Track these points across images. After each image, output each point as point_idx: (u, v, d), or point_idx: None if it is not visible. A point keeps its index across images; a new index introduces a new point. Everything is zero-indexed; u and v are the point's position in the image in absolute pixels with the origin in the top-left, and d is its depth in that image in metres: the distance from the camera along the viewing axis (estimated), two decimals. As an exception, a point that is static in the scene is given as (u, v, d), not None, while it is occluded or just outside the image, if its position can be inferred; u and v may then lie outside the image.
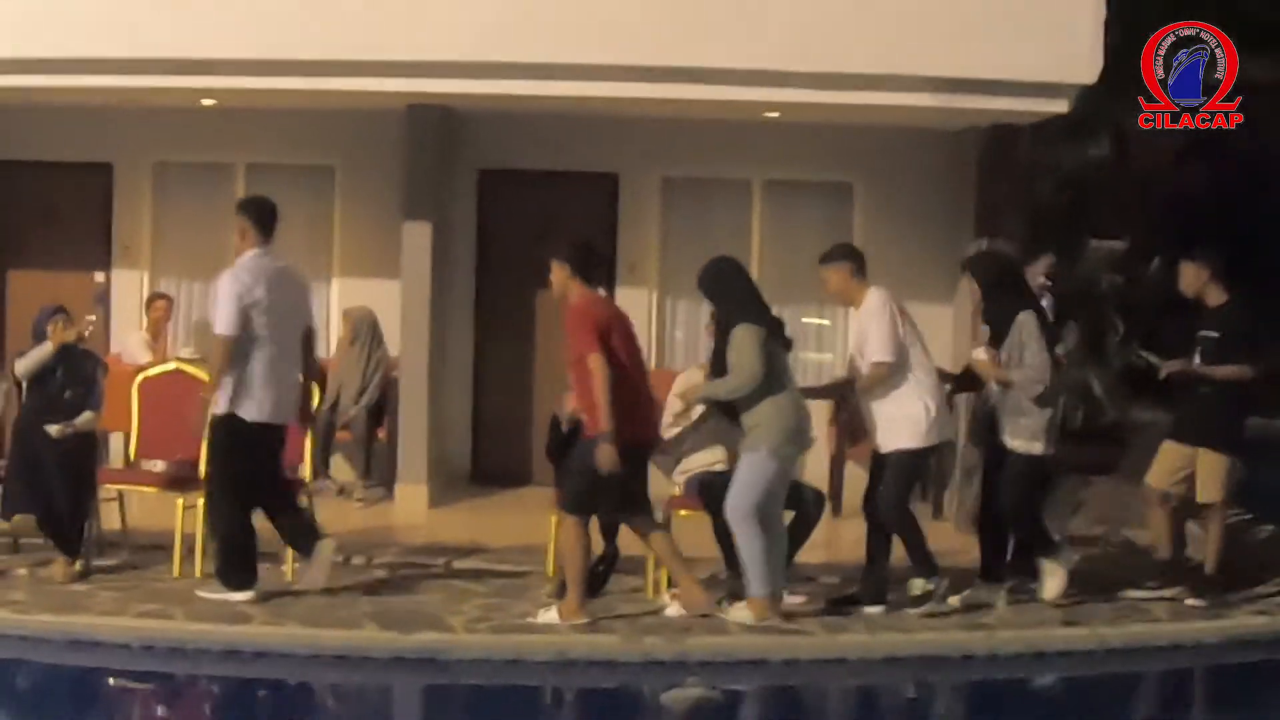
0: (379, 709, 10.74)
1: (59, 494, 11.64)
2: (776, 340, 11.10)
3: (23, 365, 11.91)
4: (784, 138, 15.21)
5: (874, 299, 11.33)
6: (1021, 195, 14.53)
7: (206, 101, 14.60)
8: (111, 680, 10.75)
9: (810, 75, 13.25)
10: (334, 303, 15.64)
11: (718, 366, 11.18)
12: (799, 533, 11.56)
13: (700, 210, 15.68)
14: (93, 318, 12.69)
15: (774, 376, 10.97)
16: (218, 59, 13.43)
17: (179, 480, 12.14)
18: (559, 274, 11.22)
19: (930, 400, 11.28)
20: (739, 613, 10.99)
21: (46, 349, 11.83)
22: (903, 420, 11.25)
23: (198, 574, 11.73)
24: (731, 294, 11.24)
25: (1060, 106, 13.33)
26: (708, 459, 11.74)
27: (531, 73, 13.47)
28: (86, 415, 11.89)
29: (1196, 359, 11.77)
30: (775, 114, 14.37)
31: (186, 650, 10.60)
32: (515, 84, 13.57)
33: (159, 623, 10.76)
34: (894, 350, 11.18)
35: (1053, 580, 11.66)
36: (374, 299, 15.15)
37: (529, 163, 15.48)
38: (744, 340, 10.92)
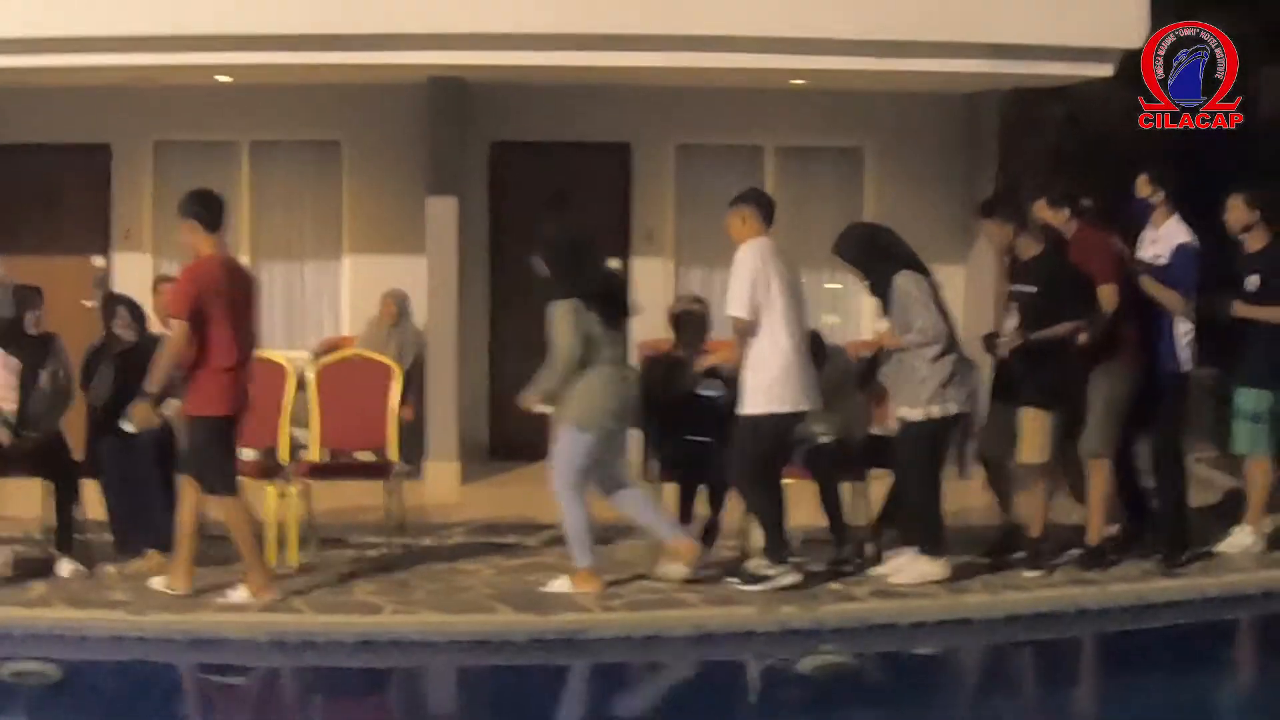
0: (525, 692, 10.51)
1: (153, 490, 11.38)
2: (599, 312, 11.01)
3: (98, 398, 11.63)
4: (795, 104, 15.27)
5: (743, 251, 11.12)
6: (1054, 153, 14.73)
7: (221, 78, 14.26)
8: (244, 677, 10.57)
9: (854, 43, 13.27)
10: (344, 280, 15.44)
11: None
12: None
13: (713, 177, 15.55)
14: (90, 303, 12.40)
15: (590, 350, 10.92)
16: (233, 34, 13.14)
17: (270, 469, 11.93)
18: (186, 231, 10.85)
19: (790, 363, 10.99)
20: (560, 583, 11.10)
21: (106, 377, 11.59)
22: (755, 383, 11.03)
23: (294, 564, 11.59)
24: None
25: (1105, 70, 13.53)
26: (814, 429, 11.77)
27: (556, 44, 13.36)
28: (171, 402, 11.63)
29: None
30: (802, 81, 14.41)
31: (318, 643, 10.45)
32: (541, 55, 13.44)
33: (286, 616, 10.58)
34: (746, 306, 10.95)
35: (916, 566, 11.31)
36: (386, 275, 15.00)
37: (540, 134, 15.36)
38: (557, 319, 10.90)
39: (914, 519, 11.42)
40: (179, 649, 10.36)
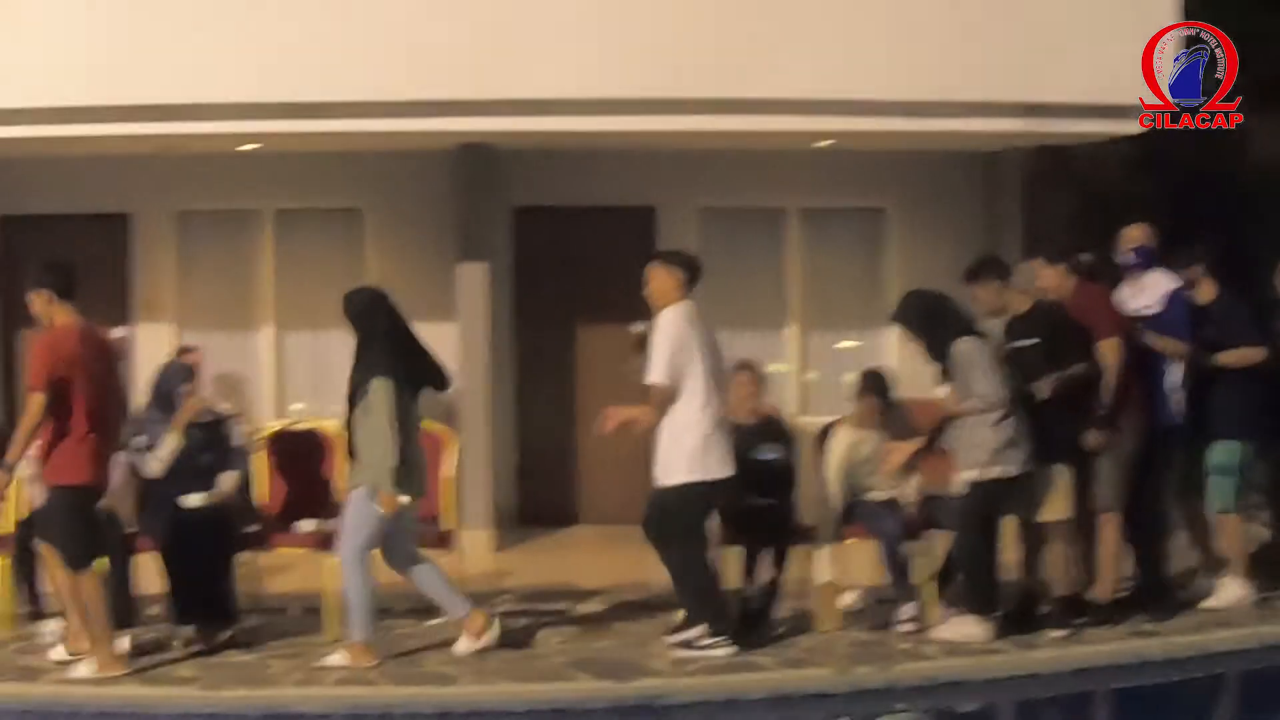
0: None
1: (208, 561, 11.30)
2: (406, 381, 10.98)
3: (159, 467, 11.52)
4: (818, 165, 15.37)
5: (666, 315, 11.14)
6: (1077, 211, 14.87)
7: (249, 146, 14.22)
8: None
9: (889, 103, 13.46)
10: (370, 348, 15.31)
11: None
12: None
13: (738, 240, 15.73)
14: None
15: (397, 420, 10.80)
16: (263, 102, 13.20)
17: (327, 540, 11.84)
18: (39, 303, 10.58)
19: (711, 432, 10.96)
20: (336, 657, 10.87)
21: (171, 445, 11.49)
22: (675, 452, 11.03)
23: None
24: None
25: (1132, 127, 13.68)
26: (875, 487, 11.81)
27: (587, 109, 13.52)
28: (229, 475, 11.60)
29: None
30: (831, 142, 14.51)
31: (395, 716, 10.36)
32: (572, 121, 13.64)
33: (363, 689, 10.49)
34: (666, 372, 10.96)
35: (961, 627, 11.33)
36: (412, 343, 14.91)
37: (564, 199, 15.36)
38: (375, 398, 10.84)
39: (967, 578, 11.43)
40: (254, 726, 10.28)
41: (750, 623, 11.47)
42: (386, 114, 13.40)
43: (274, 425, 12.64)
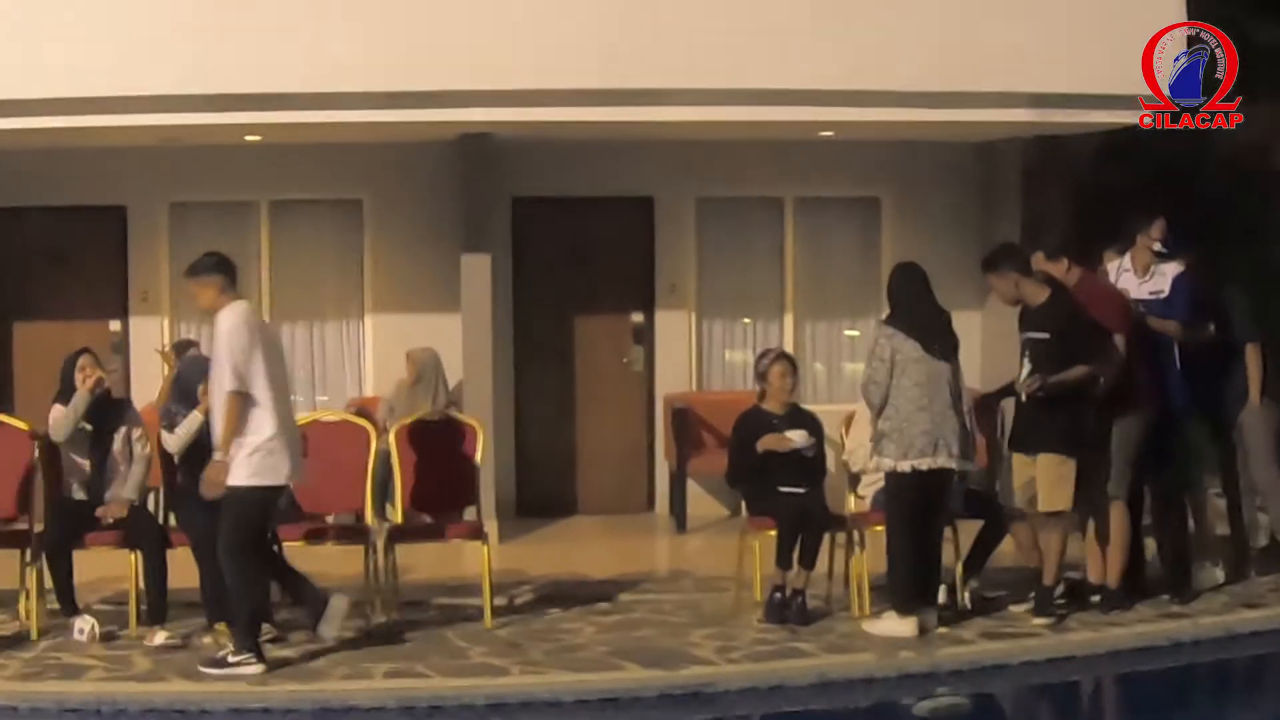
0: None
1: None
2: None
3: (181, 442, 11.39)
4: (815, 155, 15.48)
5: (222, 318, 10.55)
6: (1073, 201, 15.01)
7: (251, 138, 14.14)
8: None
9: (895, 94, 13.53)
10: (367, 339, 15.34)
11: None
12: (991, 537, 11.90)
13: (735, 229, 15.82)
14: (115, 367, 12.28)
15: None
16: (264, 93, 13.09)
17: (362, 533, 11.82)
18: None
19: (278, 434, 10.47)
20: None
21: (197, 420, 11.36)
22: (240, 455, 10.43)
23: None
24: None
25: (1136, 118, 13.82)
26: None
27: (588, 99, 13.52)
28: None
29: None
30: (830, 133, 14.59)
31: (447, 708, 10.29)
32: (570, 111, 13.61)
33: (414, 682, 10.43)
34: (232, 376, 10.35)
35: (886, 623, 11.26)
36: (409, 334, 14.94)
37: (562, 189, 15.39)
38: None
39: (888, 572, 11.41)
40: (306, 720, 10.24)
41: (789, 610, 11.54)
42: (385, 105, 13.35)
43: (304, 418, 12.50)
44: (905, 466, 11.13)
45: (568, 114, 13.61)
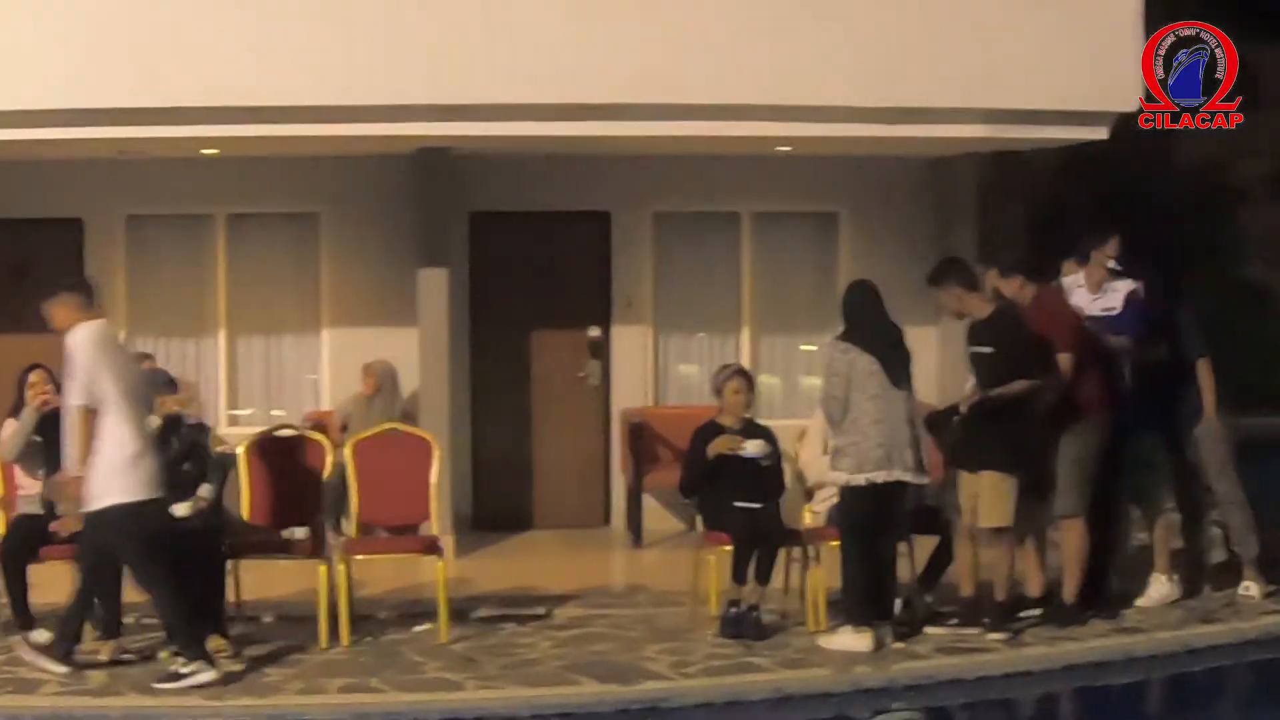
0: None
1: (205, 574, 11.18)
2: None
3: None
4: (772, 170, 15.51)
5: (74, 337, 10.51)
6: (1030, 217, 15.08)
7: (208, 151, 14.11)
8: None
9: (853, 110, 13.56)
10: (324, 353, 15.30)
11: None
12: (946, 553, 11.94)
13: (692, 244, 15.88)
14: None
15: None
16: (222, 107, 13.06)
17: (319, 547, 11.79)
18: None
19: (134, 452, 10.41)
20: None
21: (153, 424, 11.33)
22: (97, 474, 10.38)
23: (344, 643, 11.44)
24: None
25: (1100, 133, 13.91)
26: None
27: (548, 114, 13.50)
28: (207, 486, 11.49)
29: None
30: (788, 148, 14.62)
31: (402, 723, 10.35)
32: (530, 126, 13.58)
33: (369, 696, 10.40)
34: (85, 394, 10.31)
35: (841, 638, 11.32)
36: (366, 348, 14.95)
37: (520, 204, 15.40)
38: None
39: (842, 586, 11.45)
40: (261, 735, 10.18)
41: (745, 625, 11.55)
42: (343, 119, 13.31)
43: (257, 432, 12.50)
44: (861, 480, 11.18)
45: (525, 129, 13.60)
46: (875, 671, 10.95)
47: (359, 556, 11.90)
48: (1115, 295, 12.29)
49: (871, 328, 11.40)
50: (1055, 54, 13.57)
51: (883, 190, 15.80)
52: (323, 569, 11.52)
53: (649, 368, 15.67)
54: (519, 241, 15.51)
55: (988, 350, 11.45)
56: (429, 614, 11.87)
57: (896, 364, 11.31)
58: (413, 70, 13.23)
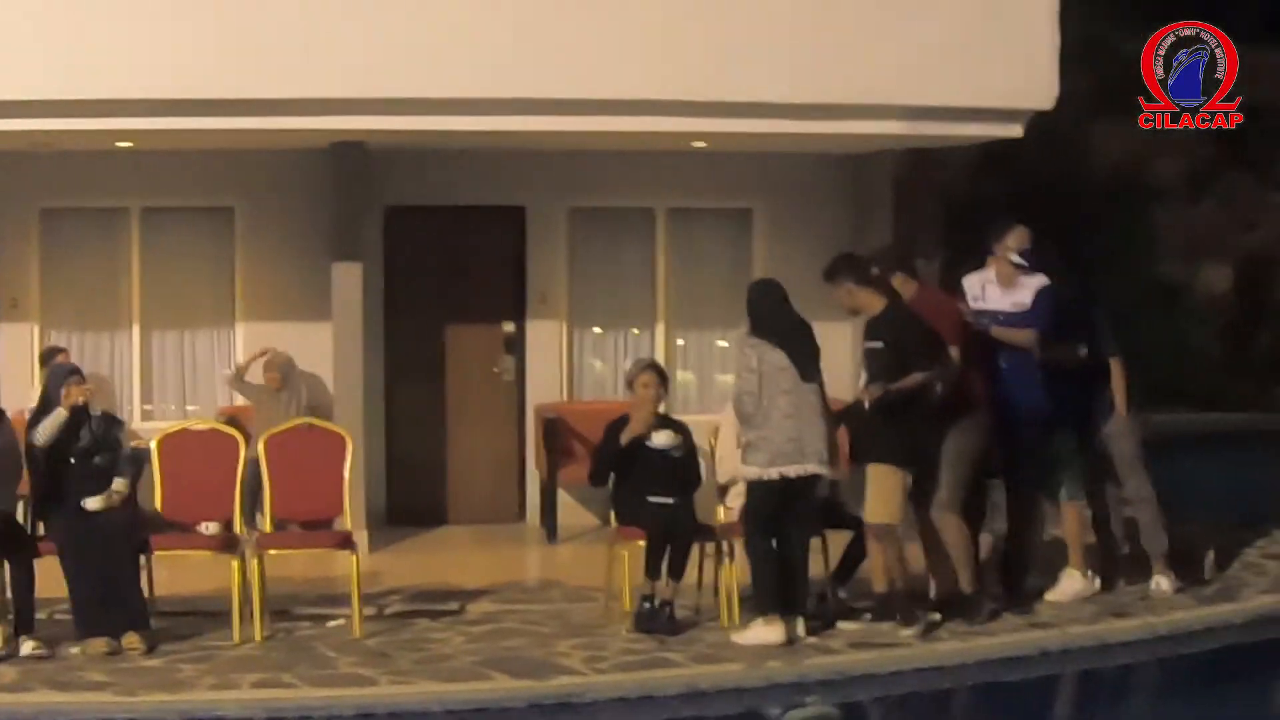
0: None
1: (120, 568, 11.14)
2: None
3: (44, 434, 11.31)
4: (687, 166, 15.53)
5: None
6: (943, 214, 15.15)
7: (123, 144, 14.02)
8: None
9: (770, 105, 13.61)
10: (239, 348, 15.18)
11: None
12: (860, 548, 11.99)
13: (607, 240, 15.91)
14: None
15: None
16: (138, 99, 12.96)
17: (233, 542, 11.75)
18: None
19: None
20: None
21: (60, 415, 11.31)
22: None
23: (257, 638, 11.42)
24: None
25: (1015, 131, 14.00)
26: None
27: (463, 108, 13.45)
28: (121, 480, 11.44)
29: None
30: (703, 144, 14.67)
31: (314, 718, 10.23)
32: (446, 120, 13.54)
33: (282, 692, 10.38)
34: None
35: (753, 631, 11.36)
36: (280, 342, 14.90)
37: (435, 198, 15.34)
38: None
39: (751, 580, 11.51)
40: (173, 731, 10.14)
41: (658, 620, 11.58)
42: (258, 111, 13.21)
43: (173, 426, 12.46)
44: (773, 473, 11.22)
45: (440, 123, 13.55)
46: (788, 666, 11.01)
47: (272, 551, 11.83)
48: (1025, 291, 12.31)
49: (780, 323, 11.45)
50: (972, 52, 13.66)
51: (798, 187, 15.85)
52: (236, 564, 11.48)
53: (563, 363, 15.66)
54: (434, 236, 15.45)
55: (879, 345, 11.48)
56: (343, 609, 11.86)
57: (806, 358, 11.37)
58: (328, 64, 13.14)
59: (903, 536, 11.61)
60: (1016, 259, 12.34)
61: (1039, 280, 12.33)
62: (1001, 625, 11.85)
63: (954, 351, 11.68)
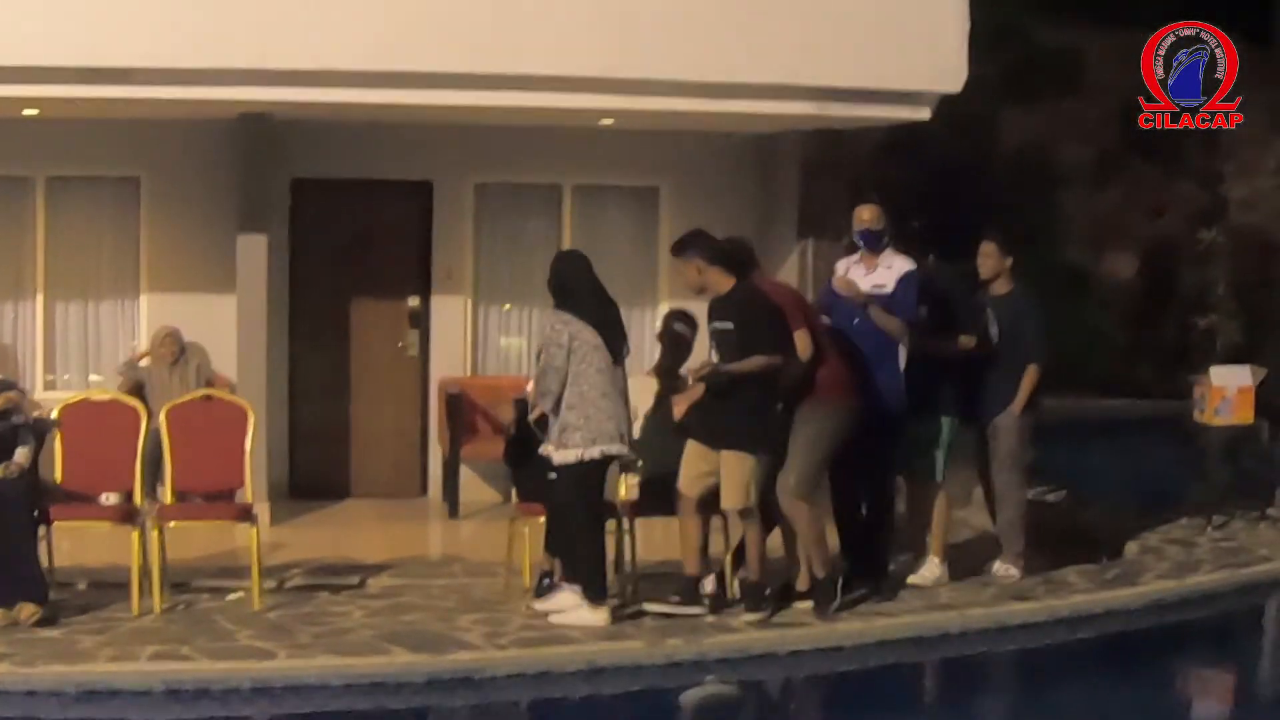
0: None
1: (16, 539, 11.06)
2: None
3: None
4: (594, 143, 15.49)
5: None
6: (852, 194, 15.16)
7: (29, 112, 13.87)
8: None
9: (674, 84, 13.56)
10: (142, 319, 15.07)
11: None
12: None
13: (513, 216, 15.90)
14: None
15: None
16: (41, 66, 12.78)
17: (133, 513, 11.68)
18: None
19: None
20: None
21: None
22: None
23: (156, 610, 11.38)
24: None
25: (924, 114, 14.06)
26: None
27: (368, 81, 13.34)
28: (22, 450, 11.37)
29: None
30: (611, 121, 14.67)
31: (213, 691, 10.23)
32: (351, 92, 13.39)
33: (180, 665, 10.36)
34: None
35: (575, 613, 11.35)
36: (185, 314, 14.83)
37: (342, 171, 15.28)
38: None
39: (578, 562, 11.48)
40: (70, 703, 10.03)
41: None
42: (165, 81, 13.05)
43: (74, 397, 12.38)
44: (595, 453, 11.17)
45: (346, 95, 13.42)
46: (687, 645, 11.06)
47: (173, 523, 11.78)
48: (888, 273, 12.16)
49: (592, 299, 11.40)
50: (881, 34, 13.72)
51: (706, 166, 15.88)
52: (135, 535, 11.44)
53: (467, 338, 15.66)
54: (340, 209, 15.40)
55: (728, 326, 11.42)
56: (243, 582, 11.83)
57: (617, 338, 11.36)
58: (234, 34, 12.99)
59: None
60: (855, 238, 12.33)
61: (903, 264, 12.19)
62: (901, 606, 11.98)
63: (802, 334, 11.50)
